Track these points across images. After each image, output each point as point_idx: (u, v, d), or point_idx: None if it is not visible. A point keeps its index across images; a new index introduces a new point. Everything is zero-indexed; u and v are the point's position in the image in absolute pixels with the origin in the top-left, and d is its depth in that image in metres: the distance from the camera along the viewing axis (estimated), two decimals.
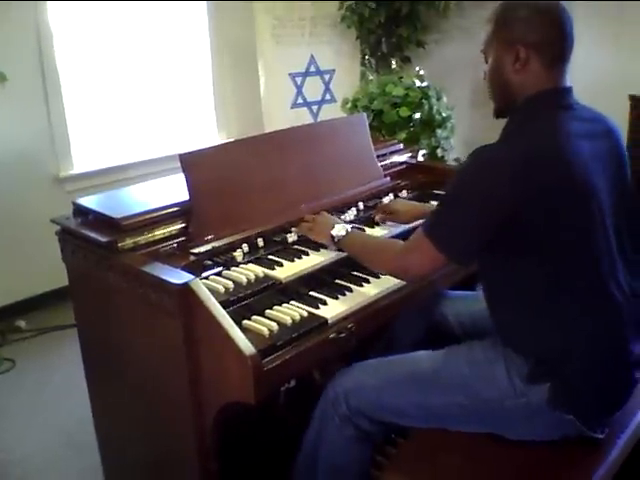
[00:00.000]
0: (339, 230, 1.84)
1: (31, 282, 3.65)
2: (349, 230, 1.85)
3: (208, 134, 4.63)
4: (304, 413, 1.83)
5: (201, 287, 1.53)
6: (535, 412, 1.53)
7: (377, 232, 2.08)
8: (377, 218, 2.15)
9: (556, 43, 1.51)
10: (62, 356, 3.17)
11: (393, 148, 2.54)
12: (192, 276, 1.57)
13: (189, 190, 1.86)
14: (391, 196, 2.31)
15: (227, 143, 2.01)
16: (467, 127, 4.51)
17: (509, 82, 1.55)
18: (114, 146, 4.13)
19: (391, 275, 1.72)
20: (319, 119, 4.55)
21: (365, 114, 2.36)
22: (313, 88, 4.50)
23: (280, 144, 2.11)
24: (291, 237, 1.98)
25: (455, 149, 3.94)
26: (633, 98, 3.27)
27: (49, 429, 2.71)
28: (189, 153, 1.88)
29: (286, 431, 1.94)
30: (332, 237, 1.84)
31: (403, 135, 3.35)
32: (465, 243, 1.51)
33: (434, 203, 2.29)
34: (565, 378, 1.51)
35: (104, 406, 2.05)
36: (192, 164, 1.88)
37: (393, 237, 2.02)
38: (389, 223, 2.14)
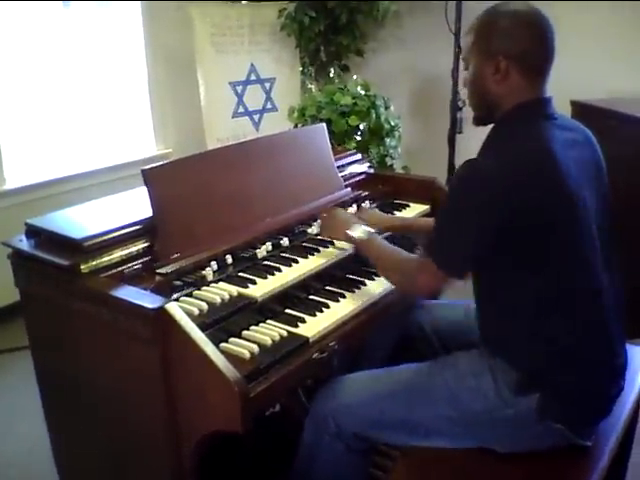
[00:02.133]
0: (359, 232, 1.82)
1: None
2: (370, 232, 1.83)
3: (145, 145, 4.48)
4: (283, 441, 1.77)
5: (178, 310, 1.44)
6: (524, 423, 1.52)
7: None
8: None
9: (537, 54, 1.52)
10: (13, 380, 3.00)
11: (351, 158, 2.51)
12: (166, 299, 1.48)
13: (153, 206, 1.76)
14: (354, 207, 2.27)
15: (189, 156, 1.91)
16: (406, 135, 4.54)
17: (489, 92, 1.56)
18: (47, 160, 3.93)
19: (397, 288, 1.76)
20: (261, 128, 4.48)
21: (324, 124, 2.30)
22: (254, 97, 4.42)
23: (243, 156, 2.03)
24: (260, 252, 1.90)
25: (400, 157, 3.95)
26: (574, 104, 3.36)
27: (2, 458, 2.53)
28: (152, 167, 1.79)
29: (265, 461, 1.87)
30: (350, 237, 1.83)
31: (353, 144, 3.33)
32: (464, 260, 1.52)
33: (399, 214, 2.28)
34: (554, 387, 1.51)
35: (66, 440, 1.91)
36: (155, 178, 1.78)
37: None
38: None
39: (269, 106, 4.51)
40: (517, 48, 1.50)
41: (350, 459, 1.67)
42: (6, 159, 3.66)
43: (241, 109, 4.38)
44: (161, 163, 1.83)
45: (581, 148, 1.56)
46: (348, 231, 1.83)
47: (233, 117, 4.35)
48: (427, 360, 1.74)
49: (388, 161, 3.54)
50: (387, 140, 3.49)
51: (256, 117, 4.47)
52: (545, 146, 1.46)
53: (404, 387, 1.65)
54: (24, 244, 1.75)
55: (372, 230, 1.84)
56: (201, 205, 1.87)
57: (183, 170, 1.88)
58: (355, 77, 4.09)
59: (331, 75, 4.57)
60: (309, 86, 4.63)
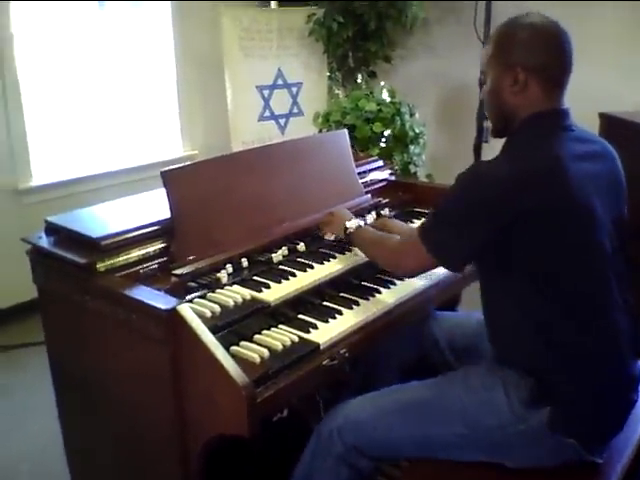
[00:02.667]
0: (353, 223, 1.90)
1: None
2: (361, 225, 1.91)
3: (172, 146, 4.52)
4: (289, 447, 1.76)
5: (190, 312, 1.45)
6: (536, 437, 1.50)
7: None
8: None
9: (555, 66, 1.51)
10: (30, 374, 3.02)
11: (373, 165, 2.50)
12: (179, 300, 1.48)
13: (171, 208, 1.78)
14: (373, 214, 2.26)
15: (210, 159, 1.92)
16: (432, 143, 4.52)
17: (507, 104, 1.56)
18: (75, 157, 3.99)
19: (384, 268, 1.81)
20: (287, 132, 4.49)
21: (346, 130, 2.30)
22: (280, 101, 4.44)
23: (264, 160, 2.04)
24: (276, 257, 1.91)
25: (425, 165, 3.93)
26: (602, 116, 3.31)
27: (14, 455, 2.56)
28: (171, 169, 1.80)
29: (269, 466, 1.86)
30: (345, 229, 1.90)
31: (376, 151, 3.32)
32: (456, 250, 1.53)
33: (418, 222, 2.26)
34: (565, 401, 1.49)
35: (78, 437, 1.93)
36: (174, 180, 1.79)
37: None
38: None
39: (295, 110, 4.52)
40: (536, 60, 1.50)
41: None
42: (34, 156, 3.72)
43: (267, 113, 4.40)
44: (180, 165, 1.84)
45: (596, 161, 1.54)
46: (346, 223, 1.90)
47: (259, 121, 4.38)
48: (441, 374, 1.72)
49: (412, 168, 3.52)
50: (411, 147, 3.47)
51: (282, 121, 4.49)
52: (556, 155, 1.45)
53: (413, 403, 1.63)
54: (43, 241, 1.78)
55: (362, 223, 1.93)
56: (219, 208, 1.88)
57: (202, 172, 1.89)
58: (382, 83, 4.08)
59: (359, 81, 4.57)
60: (336, 91, 4.63)
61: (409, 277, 1.79)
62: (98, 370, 1.73)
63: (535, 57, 1.49)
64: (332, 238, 2.03)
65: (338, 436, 1.62)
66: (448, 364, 1.89)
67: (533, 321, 1.50)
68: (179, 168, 1.82)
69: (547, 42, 1.50)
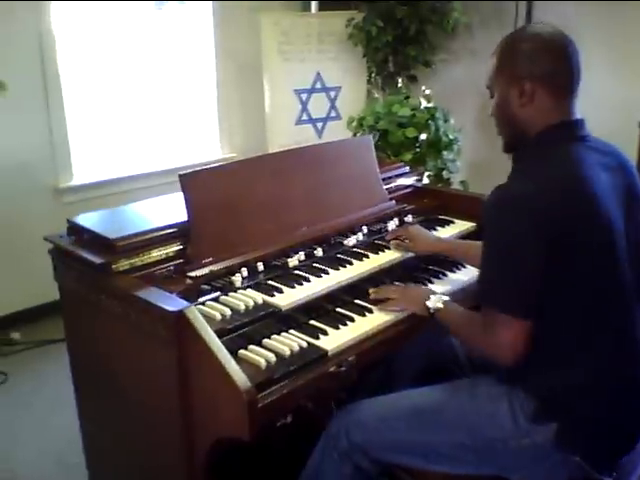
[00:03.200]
0: (436, 302, 1.68)
1: (27, 294, 3.58)
2: (446, 301, 1.69)
3: (210, 148, 4.58)
4: (300, 448, 1.76)
5: (197, 315, 1.47)
6: (540, 453, 1.47)
7: (387, 256, 2.01)
8: (392, 243, 2.08)
9: (562, 75, 1.48)
10: (55, 370, 3.07)
11: (399, 171, 2.48)
12: (188, 303, 1.50)
13: (188, 211, 1.80)
14: (396, 220, 2.24)
15: (229, 163, 1.94)
16: (472, 148, 4.46)
17: (516, 117, 1.53)
18: (114, 158, 4.08)
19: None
20: (324, 136, 4.50)
21: (371, 135, 2.29)
22: (318, 105, 4.45)
23: (284, 165, 2.05)
24: (292, 261, 1.91)
25: (461, 171, 3.88)
26: None
27: (39, 448, 2.64)
28: (189, 173, 1.82)
29: (280, 467, 1.87)
30: (428, 308, 1.68)
31: (409, 156, 3.30)
32: (527, 293, 1.42)
33: (442, 230, 2.23)
34: (573, 418, 1.46)
35: (93, 430, 1.98)
36: (192, 184, 1.82)
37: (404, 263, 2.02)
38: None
39: (333, 114, 4.53)
40: (542, 69, 1.47)
41: None
42: (75, 156, 3.82)
43: (305, 117, 4.42)
44: (198, 169, 1.86)
45: (614, 172, 1.50)
46: (427, 302, 1.69)
47: (296, 124, 4.40)
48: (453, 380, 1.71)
49: (445, 175, 3.48)
50: (445, 153, 3.43)
51: (319, 125, 4.50)
52: (576, 170, 1.43)
53: (418, 409, 1.62)
54: (64, 240, 1.82)
55: (447, 298, 1.71)
56: (236, 211, 1.89)
57: (221, 176, 1.91)
58: (423, 88, 4.04)
59: (399, 85, 4.55)
60: (375, 95, 4.62)
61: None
62: (111, 368, 1.77)
63: (540, 66, 1.47)
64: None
65: (345, 434, 1.64)
66: (463, 371, 1.87)
67: (547, 338, 1.46)
68: (196, 172, 1.84)
69: (552, 50, 1.48)
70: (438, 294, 1.73)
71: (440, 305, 1.67)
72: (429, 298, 1.69)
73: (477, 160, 4.45)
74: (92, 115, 3.94)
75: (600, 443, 1.47)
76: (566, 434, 1.45)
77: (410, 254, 2.04)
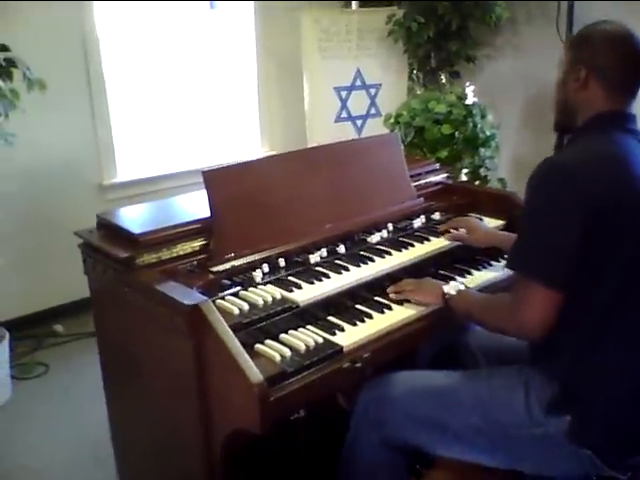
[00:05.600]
0: (451, 288, 1.72)
1: (70, 287, 3.65)
2: (461, 288, 1.74)
3: (251, 147, 4.63)
4: (320, 440, 1.78)
5: (212, 309, 1.50)
6: (553, 444, 1.48)
7: (411, 254, 2.01)
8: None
9: (619, 72, 1.53)
10: (95, 362, 3.15)
11: (428, 168, 2.47)
12: (204, 297, 1.53)
13: (211, 207, 1.83)
14: (423, 218, 2.23)
15: (253, 160, 1.97)
16: (516, 144, 4.39)
17: (570, 99, 1.59)
18: (157, 155, 4.17)
19: (506, 334, 1.61)
20: (363, 133, 4.49)
21: (398, 132, 2.29)
22: (358, 102, 4.44)
23: (309, 162, 2.06)
24: (313, 258, 1.92)
25: (501, 168, 3.82)
26: None
27: (74, 439, 2.71)
28: (212, 169, 1.86)
29: (302, 460, 1.89)
30: (444, 294, 1.71)
31: (445, 153, 3.27)
32: (565, 262, 1.41)
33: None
34: (588, 411, 1.46)
35: (120, 420, 2.04)
36: (215, 180, 1.85)
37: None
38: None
39: (373, 112, 4.51)
40: (599, 62, 1.52)
41: (384, 454, 1.70)
42: (119, 153, 3.92)
43: (344, 114, 4.42)
44: (222, 166, 1.89)
45: None
46: (444, 287, 1.73)
47: (336, 122, 4.40)
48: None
49: (482, 172, 3.43)
50: (482, 150, 3.38)
51: (359, 122, 4.49)
52: (620, 154, 1.47)
53: (441, 389, 1.67)
54: (93, 235, 1.88)
55: (462, 287, 1.75)
56: (260, 208, 1.91)
57: (245, 173, 1.93)
58: (467, 84, 3.99)
59: (442, 81, 4.50)
60: (417, 92, 4.58)
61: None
62: (135, 360, 1.82)
63: (599, 59, 1.52)
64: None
65: (373, 406, 1.70)
66: (477, 363, 1.87)
67: (578, 323, 1.47)
68: (220, 169, 1.88)
69: (615, 49, 1.52)
70: (454, 282, 1.77)
71: (455, 292, 1.71)
72: (446, 284, 1.74)
73: (519, 157, 4.37)
74: (136, 113, 4.04)
75: (614, 439, 1.47)
76: (579, 427, 1.45)
77: (434, 251, 2.03)
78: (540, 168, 1.48)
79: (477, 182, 3.45)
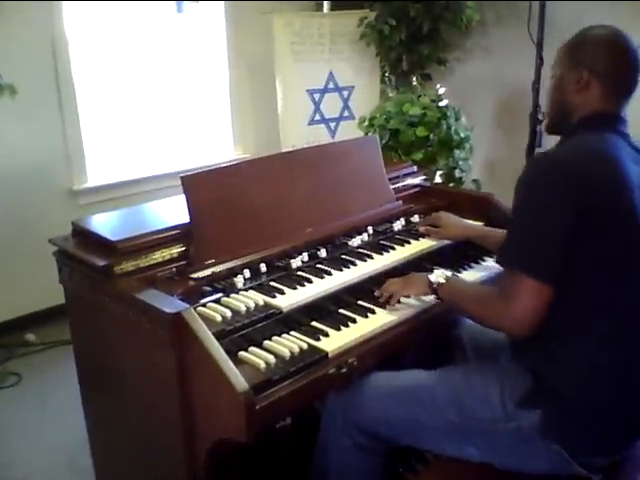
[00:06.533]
0: (438, 276, 1.70)
1: (42, 295, 3.58)
2: (448, 276, 1.72)
3: (224, 149, 4.59)
4: (304, 448, 1.76)
5: (194, 317, 1.47)
6: (525, 438, 1.50)
7: (392, 257, 2.01)
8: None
9: (618, 76, 1.56)
10: (69, 371, 3.02)
11: (406, 170, 2.47)
12: (186, 305, 1.51)
13: (190, 212, 1.80)
14: (402, 220, 2.23)
15: (231, 164, 1.94)
16: (487, 146, 4.42)
17: (568, 101, 1.60)
18: (128, 159, 4.11)
19: (496, 329, 1.60)
20: (337, 136, 4.48)
21: (377, 135, 2.28)
22: (331, 105, 4.44)
23: (288, 165, 2.04)
24: (295, 262, 1.90)
25: (474, 169, 3.85)
26: None
27: (51, 449, 2.66)
28: (190, 174, 1.83)
29: (285, 468, 1.87)
30: (430, 283, 1.70)
31: (420, 155, 3.27)
32: (556, 257, 1.42)
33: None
34: (559, 406, 1.47)
35: (99, 431, 2.00)
36: (193, 185, 1.82)
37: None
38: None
39: (346, 114, 4.51)
40: (601, 65, 1.55)
41: (358, 458, 1.69)
42: (89, 158, 3.85)
43: (317, 117, 4.41)
44: (200, 171, 1.86)
45: None
46: (429, 276, 1.71)
47: (309, 124, 4.39)
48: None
49: (457, 173, 3.45)
50: (457, 152, 3.40)
51: (332, 125, 4.49)
52: (613, 152, 1.49)
53: (411, 389, 1.66)
54: (68, 243, 1.84)
55: (449, 273, 1.75)
56: (238, 213, 1.89)
57: (224, 177, 1.91)
58: (438, 86, 4.01)
59: (413, 84, 4.52)
60: (390, 95, 4.59)
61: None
62: (115, 369, 1.78)
63: (601, 62, 1.54)
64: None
65: (340, 412, 1.69)
66: (467, 359, 1.87)
67: (553, 322, 1.46)
68: (198, 174, 1.85)
69: (615, 52, 1.55)
70: (439, 271, 1.75)
71: (442, 280, 1.69)
72: (429, 275, 1.72)
73: (492, 159, 4.41)
74: (106, 117, 3.97)
75: (585, 437, 1.48)
76: (549, 421, 1.47)
77: (415, 254, 2.03)
78: (534, 164, 1.51)
79: (452, 184, 3.46)
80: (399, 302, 1.77)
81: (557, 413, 1.47)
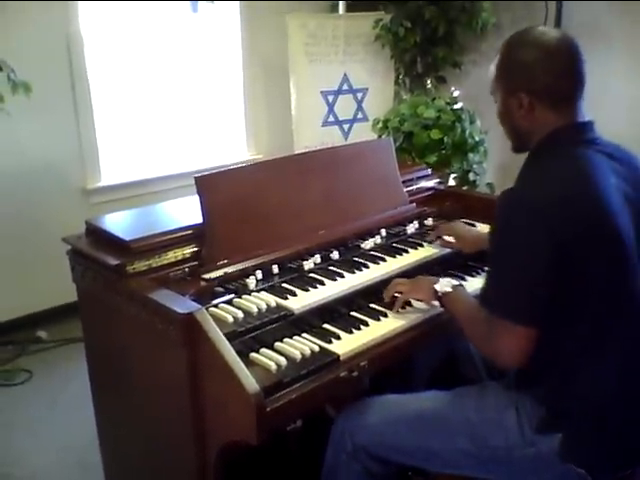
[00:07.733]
0: (444, 285, 1.66)
1: (54, 293, 3.60)
2: (455, 285, 1.67)
3: (237, 150, 4.59)
4: (315, 451, 1.75)
5: (206, 317, 1.46)
6: (545, 464, 1.46)
7: (405, 259, 1.99)
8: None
9: (562, 86, 1.45)
10: (80, 369, 3.06)
11: (420, 173, 2.45)
12: (198, 305, 1.50)
13: (203, 213, 1.80)
14: (416, 223, 2.22)
15: (245, 165, 1.94)
16: (502, 150, 4.37)
17: (518, 126, 1.52)
18: (142, 159, 4.12)
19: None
20: (350, 138, 4.48)
21: (391, 137, 2.27)
22: (345, 106, 4.43)
23: (301, 167, 2.04)
24: (307, 264, 1.89)
25: (488, 173, 3.82)
26: None
27: (60, 446, 2.67)
28: (204, 175, 1.83)
29: (295, 471, 1.86)
30: (436, 291, 1.66)
31: (434, 158, 3.26)
32: (533, 300, 1.37)
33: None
34: (578, 429, 1.43)
35: (109, 429, 2.00)
36: (207, 186, 1.82)
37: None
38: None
39: (360, 116, 4.50)
40: (539, 83, 1.43)
41: None
42: (103, 157, 3.86)
43: (331, 118, 4.41)
44: (214, 172, 1.86)
45: (623, 177, 1.46)
46: (435, 285, 1.67)
47: (323, 126, 4.39)
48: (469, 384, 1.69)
49: (471, 177, 3.43)
50: (471, 155, 3.38)
51: (346, 127, 4.48)
52: (586, 174, 1.39)
53: (422, 414, 1.61)
54: (82, 242, 1.84)
55: (457, 283, 1.70)
56: (251, 214, 1.89)
57: (237, 178, 1.90)
58: (453, 89, 3.99)
59: (428, 87, 4.50)
60: (404, 97, 4.58)
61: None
62: (126, 368, 1.78)
63: (539, 80, 1.43)
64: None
65: (349, 436, 1.64)
66: (479, 374, 1.84)
67: (560, 349, 1.44)
68: (212, 174, 1.85)
69: (552, 62, 1.42)
70: (448, 279, 1.70)
71: (449, 289, 1.64)
72: (437, 282, 1.67)
73: (506, 162, 4.37)
74: (120, 116, 3.99)
75: (605, 456, 1.44)
76: (570, 445, 1.42)
77: (428, 257, 2.02)
78: (505, 202, 1.41)
79: (466, 187, 3.45)
80: (405, 307, 1.75)
81: (577, 436, 1.43)
